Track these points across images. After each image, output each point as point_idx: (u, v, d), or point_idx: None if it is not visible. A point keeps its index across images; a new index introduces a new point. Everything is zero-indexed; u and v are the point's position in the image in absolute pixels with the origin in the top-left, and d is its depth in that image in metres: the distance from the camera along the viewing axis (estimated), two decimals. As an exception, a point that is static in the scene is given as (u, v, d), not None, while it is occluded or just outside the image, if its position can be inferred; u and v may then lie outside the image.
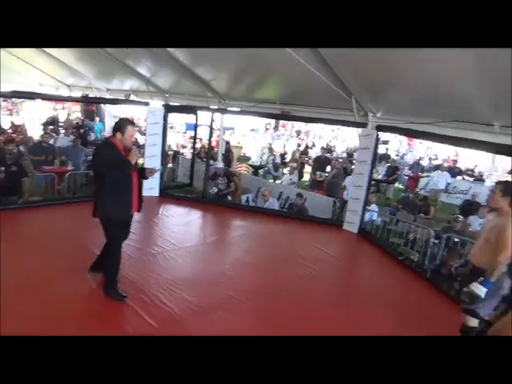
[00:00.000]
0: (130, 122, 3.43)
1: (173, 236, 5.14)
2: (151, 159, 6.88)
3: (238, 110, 7.86)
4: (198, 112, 7.06)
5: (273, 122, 17.37)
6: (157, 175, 6.89)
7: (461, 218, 7.29)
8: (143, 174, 3.51)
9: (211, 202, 7.10)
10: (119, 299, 3.40)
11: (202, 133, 11.60)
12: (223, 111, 8.08)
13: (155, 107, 7.18)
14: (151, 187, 6.95)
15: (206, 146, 8.39)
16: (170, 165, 10.02)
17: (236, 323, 3.29)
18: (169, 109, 7.22)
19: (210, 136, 7.20)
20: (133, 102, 9.77)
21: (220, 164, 8.48)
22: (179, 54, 6.87)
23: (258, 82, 7.13)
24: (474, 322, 2.97)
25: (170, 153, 10.08)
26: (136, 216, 5.89)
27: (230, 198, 7.58)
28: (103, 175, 3.16)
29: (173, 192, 7.63)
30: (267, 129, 17.13)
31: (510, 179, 11.89)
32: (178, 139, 14.44)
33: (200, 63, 6.89)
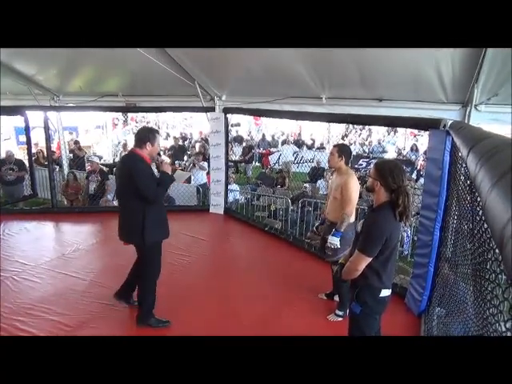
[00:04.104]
0: (155, 130, 3.07)
1: (23, 255, 4.49)
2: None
3: (75, 106, 7.15)
4: (28, 112, 6.16)
5: (121, 116, 16.26)
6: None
7: (308, 185, 8.27)
8: None
9: (62, 210, 6.48)
10: (162, 326, 3.14)
11: (40, 136, 10.19)
12: (59, 109, 7.24)
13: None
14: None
15: (44, 150, 7.40)
16: None
17: (121, 327, 3.14)
18: (-15, 112, 6.12)
19: (48, 138, 6.37)
20: None
21: (94, 158, 7.73)
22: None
23: (94, 75, 6.55)
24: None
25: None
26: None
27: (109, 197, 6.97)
28: (147, 193, 2.83)
29: (12, 207, 6.61)
30: (116, 124, 15.98)
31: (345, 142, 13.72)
32: (8, 147, 12.33)
33: (18, 56, 5.88)
